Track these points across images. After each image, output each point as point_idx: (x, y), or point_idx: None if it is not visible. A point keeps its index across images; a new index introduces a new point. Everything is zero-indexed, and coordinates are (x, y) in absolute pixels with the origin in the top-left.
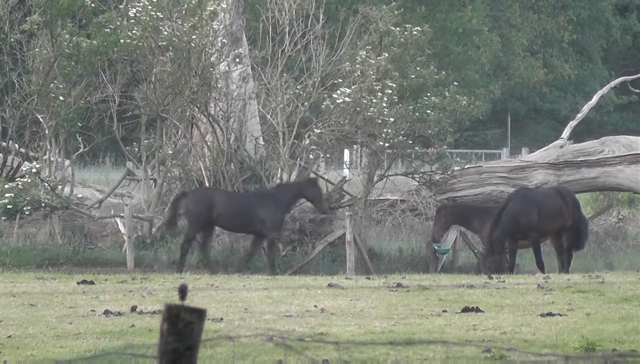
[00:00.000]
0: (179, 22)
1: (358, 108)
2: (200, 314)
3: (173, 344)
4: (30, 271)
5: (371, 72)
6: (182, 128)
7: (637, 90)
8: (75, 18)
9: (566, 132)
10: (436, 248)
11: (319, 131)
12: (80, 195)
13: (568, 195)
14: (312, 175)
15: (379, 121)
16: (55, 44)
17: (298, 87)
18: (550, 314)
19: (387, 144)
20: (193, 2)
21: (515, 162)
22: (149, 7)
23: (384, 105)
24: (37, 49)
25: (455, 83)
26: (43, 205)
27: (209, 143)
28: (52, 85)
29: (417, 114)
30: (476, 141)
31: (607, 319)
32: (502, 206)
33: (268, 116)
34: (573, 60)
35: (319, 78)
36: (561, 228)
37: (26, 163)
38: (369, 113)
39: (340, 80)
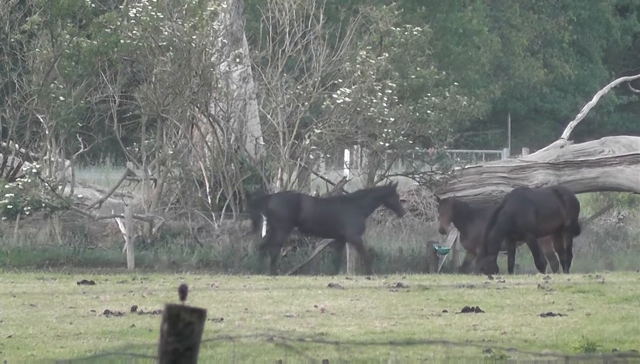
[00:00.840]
0: (179, 22)
1: (358, 108)
2: (200, 314)
3: (173, 345)
4: (30, 271)
5: (371, 72)
6: (183, 129)
7: (637, 90)
8: (75, 18)
9: (566, 132)
10: (436, 248)
11: (319, 131)
12: (80, 195)
13: (565, 194)
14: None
15: (379, 121)
16: (56, 44)
17: (298, 87)
18: (550, 314)
19: (387, 144)
20: (193, 2)
21: (515, 162)
22: (149, 7)
23: (384, 105)
24: (37, 49)
25: (455, 83)
26: (43, 205)
27: (209, 144)
28: (52, 85)
29: (417, 114)
30: (476, 141)
31: (607, 320)
32: (499, 207)
33: (268, 116)
34: (573, 60)
35: (319, 79)
36: (559, 228)
37: (26, 163)
38: (369, 113)
39: (340, 80)
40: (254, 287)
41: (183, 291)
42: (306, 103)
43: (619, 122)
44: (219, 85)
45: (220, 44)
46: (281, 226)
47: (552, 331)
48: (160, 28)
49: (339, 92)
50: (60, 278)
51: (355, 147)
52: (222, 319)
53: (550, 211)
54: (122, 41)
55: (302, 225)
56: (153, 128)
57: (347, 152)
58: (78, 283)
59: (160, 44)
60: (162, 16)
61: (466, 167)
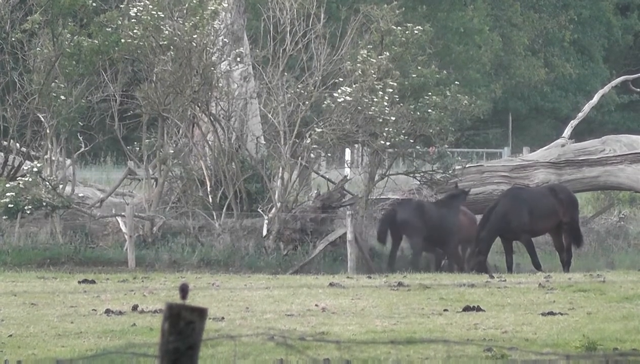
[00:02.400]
0: (180, 22)
1: (359, 108)
2: (201, 313)
3: (174, 344)
4: (31, 270)
5: (372, 71)
6: (183, 128)
7: (638, 90)
8: (76, 17)
9: (567, 131)
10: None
11: (320, 130)
12: (81, 194)
13: (562, 193)
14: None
15: (380, 120)
16: (57, 43)
17: (299, 86)
18: (551, 313)
19: (388, 143)
20: (194, 1)
21: (516, 161)
22: (150, 6)
23: (385, 104)
24: (38, 48)
25: (456, 82)
26: (44, 204)
27: (210, 143)
28: (53, 84)
29: (418, 113)
30: (477, 140)
31: (608, 319)
32: (492, 207)
33: (269, 115)
34: (574, 59)
35: (320, 78)
36: (557, 226)
37: (27, 162)
38: (370, 113)
39: (341, 79)
40: (255, 286)
41: (184, 290)
42: (307, 102)
43: (619, 121)
44: (220, 85)
45: (221, 43)
46: (416, 233)
47: (553, 330)
48: (161, 27)
49: (339, 91)
50: (61, 277)
51: (356, 146)
52: (223, 318)
53: (546, 210)
54: (123, 40)
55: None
56: (154, 128)
57: (348, 151)
58: (79, 282)
59: (161, 43)
60: (162, 15)
61: (467, 166)
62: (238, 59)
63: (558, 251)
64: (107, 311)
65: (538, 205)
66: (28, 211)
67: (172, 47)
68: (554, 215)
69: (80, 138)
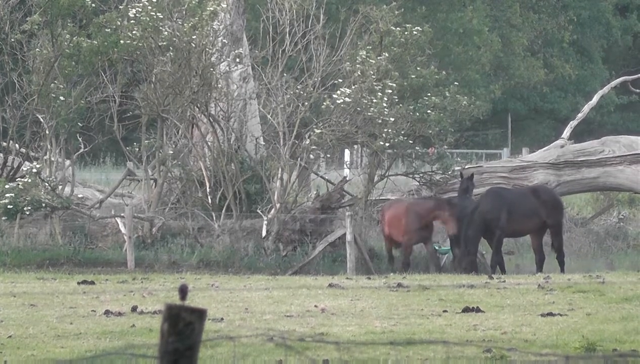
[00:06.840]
0: (179, 22)
1: (358, 108)
2: (200, 314)
3: (173, 345)
4: (30, 271)
5: (371, 72)
6: (183, 128)
7: (637, 90)
8: (75, 18)
9: (567, 132)
10: (437, 248)
11: (319, 131)
12: (80, 195)
13: (545, 194)
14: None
15: (380, 121)
16: (56, 44)
17: (298, 87)
18: (550, 314)
19: (387, 144)
20: (193, 2)
21: (515, 161)
22: (149, 7)
23: (384, 105)
24: (37, 49)
25: (455, 83)
26: (43, 205)
27: (209, 143)
28: (52, 85)
29: (417, 114)
30: (477, 141)
31: (607, 319)
32: (475, 206)
33: (268, 116)
34: (573, 60)
35: (320, 78)
36: (539, 228)
37: (27, 163)
38: (369, 113)
39: (340, 80)
40: (254, 287)
41: (183, 291)
42: (306, 103)
43: (619, 122)
44: (219, 85)
45: (220, 44)
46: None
47: (553, 331)
48: (160, 28)
49: (339, 92)
50: (61, 278)
51: (355, 146)
52: (222, 319)
53: (526, 211)
54: (122, 41)
55: None
56: (153, 128)
57: (347, 152)
58: (78, 283)
59: (160, 43)
60: (162, 16)
61: (466, 166)
62: (237, 60)
63: (535, 252)
64: (107, 312)
65: (518, 205)
66: (27, 212)
67: (171, 47)
68: (534, 216)
69: (80, 139)
